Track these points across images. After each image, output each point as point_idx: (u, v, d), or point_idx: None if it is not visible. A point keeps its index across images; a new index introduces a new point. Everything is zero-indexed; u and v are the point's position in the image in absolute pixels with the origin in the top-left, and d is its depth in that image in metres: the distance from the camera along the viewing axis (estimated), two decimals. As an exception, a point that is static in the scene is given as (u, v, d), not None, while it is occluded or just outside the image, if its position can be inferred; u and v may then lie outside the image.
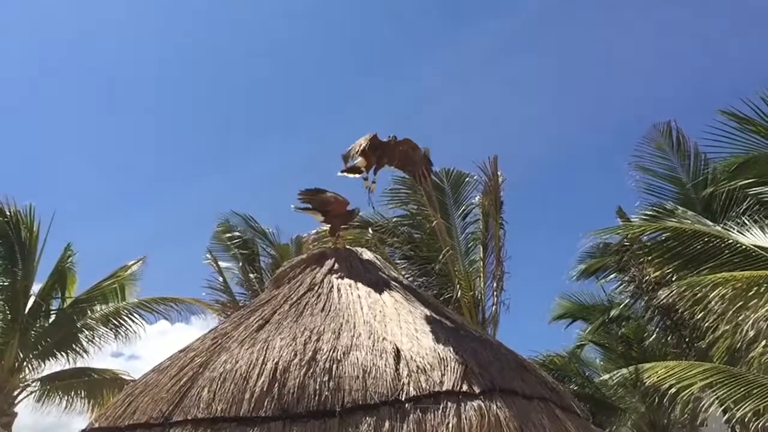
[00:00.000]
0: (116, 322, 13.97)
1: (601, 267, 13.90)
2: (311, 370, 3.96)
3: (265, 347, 4.27)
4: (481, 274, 10.97)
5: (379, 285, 5.22)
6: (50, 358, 13.69)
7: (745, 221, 8.54)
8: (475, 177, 11.86)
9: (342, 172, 5.58)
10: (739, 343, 7.95)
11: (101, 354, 14.28)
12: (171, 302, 14.07)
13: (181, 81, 30.38)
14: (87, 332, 13.84)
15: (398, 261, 11.64)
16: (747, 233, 8.25)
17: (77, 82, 28.81)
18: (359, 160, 5.51)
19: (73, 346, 13.70)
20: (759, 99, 8.90)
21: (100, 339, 13.89)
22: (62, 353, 13.68)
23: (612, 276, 13.57)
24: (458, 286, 10.62)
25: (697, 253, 8.40)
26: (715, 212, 10.52)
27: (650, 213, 10.02)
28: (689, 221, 8.77)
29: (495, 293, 10.61)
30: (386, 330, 4.42)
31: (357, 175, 5.62)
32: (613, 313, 14.42)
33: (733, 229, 8.42)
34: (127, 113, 28.00)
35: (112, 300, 14.21)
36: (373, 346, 4.19)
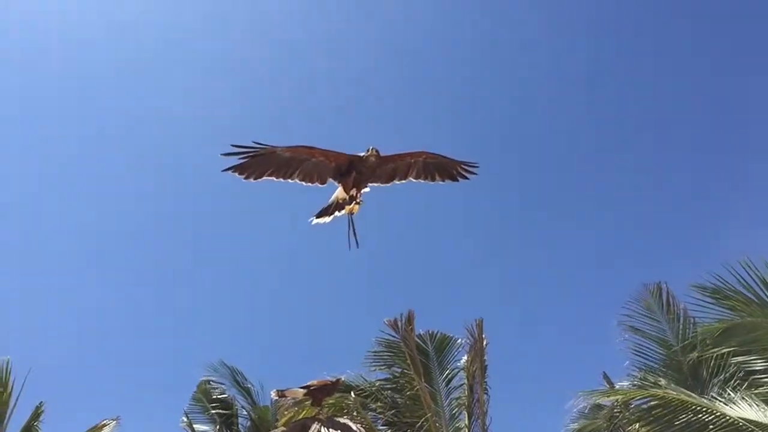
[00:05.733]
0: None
1: (594, 430, 13.49)
2: None
3: None
4: (467, 443, 10.66)
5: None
6: None
7: (730, 393, 8.45)
8: (459, 340, 11.85)
9: (317, 217, 5.27)
10: None
11: None
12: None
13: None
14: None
15: (381, 427, 11.30)
16: (732, 405, 8.14)
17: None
18: (338, 192, 5.13)
19: None
20: (740, 266, 8.99)
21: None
22: None
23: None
24: (443, 455, 10.27)
25: (684, 424, 8.22)
26: (704, 378, 10.37)
27: (636, 381, 9.88)
28: (674, 392, 8.67)
29: (481, 464, 10.24)
30: None
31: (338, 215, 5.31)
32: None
33: (719, 400, 8.32)
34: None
35: (81, 463, 13.49)
36: None
